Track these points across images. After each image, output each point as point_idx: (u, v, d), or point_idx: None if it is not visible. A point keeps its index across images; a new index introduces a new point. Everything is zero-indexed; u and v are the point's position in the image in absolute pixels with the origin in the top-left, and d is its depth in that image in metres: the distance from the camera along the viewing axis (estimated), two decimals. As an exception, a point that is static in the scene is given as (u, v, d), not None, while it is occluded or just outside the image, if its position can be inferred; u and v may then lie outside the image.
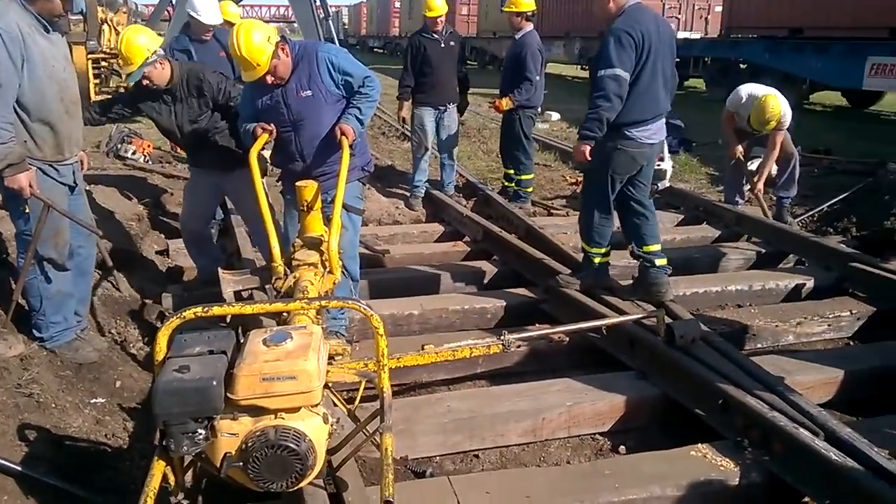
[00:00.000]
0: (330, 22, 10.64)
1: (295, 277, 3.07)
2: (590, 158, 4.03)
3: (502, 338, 3.17)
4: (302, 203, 3.47)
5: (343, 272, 3.83)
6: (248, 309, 2.26)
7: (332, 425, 2.23)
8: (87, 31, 9.53)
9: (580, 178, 8.42)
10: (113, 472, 2.91)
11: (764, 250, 5.73)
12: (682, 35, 17.52)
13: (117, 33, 10.93)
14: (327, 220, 3.53)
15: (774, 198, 6.53)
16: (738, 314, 4.48)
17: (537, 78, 6.52)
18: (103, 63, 10.38)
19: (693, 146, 10.01)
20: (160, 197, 6.89)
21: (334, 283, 3.27)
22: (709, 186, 8.01)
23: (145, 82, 4.05)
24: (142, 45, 3.90)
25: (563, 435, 3.42)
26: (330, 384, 2.57)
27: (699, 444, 3.02)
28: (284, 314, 2.71)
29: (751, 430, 2.98)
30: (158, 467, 2.10)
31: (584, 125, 4.00)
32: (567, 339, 4.11)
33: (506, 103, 6.58)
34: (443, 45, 6.70)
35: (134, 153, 8.00)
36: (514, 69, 6.62)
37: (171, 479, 2.20)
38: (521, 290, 4.79)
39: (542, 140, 10.67)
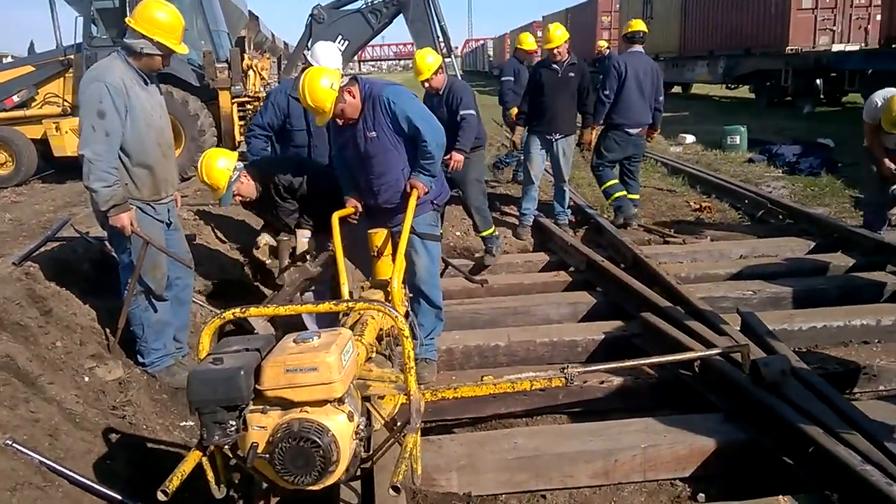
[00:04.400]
0: (454, 59, 10.88)
1: (359, 314, 3.15)
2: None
3: (564, 370, 3.05)
4: (373, 248, 3.60)
5: (425, 301, 3.91)
6: (281, 310, 2.46)
7: (358, 425, 2.27)
8: (230, 77, 10.33)
9: (705, 203, 8.04)
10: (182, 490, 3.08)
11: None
12: (836, 48, 16.25)
13: (262, 77, 11.79)
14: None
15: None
16: (859, 352, 4.02)
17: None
18: (248, 106, 11.19)
19: (838, 167, 9.22)
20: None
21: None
22: (851, 211, 7.28)
23: (238, 199, 4.29)
24: (223, 168, 4.08)
25: (638, 479, 3.21)
26: (372, 398, 2.65)
27: (780, 497, 2.73)
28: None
29: (839, 482, 2.65)
30: (194, 456, 2.23)
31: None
32: (656, 375, 3.90)
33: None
34: (559, 76, 6.62)
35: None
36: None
37: (209, 474, 2.30)
38: (616, 323, 4.60)
39: (670, 164, 10.26)
